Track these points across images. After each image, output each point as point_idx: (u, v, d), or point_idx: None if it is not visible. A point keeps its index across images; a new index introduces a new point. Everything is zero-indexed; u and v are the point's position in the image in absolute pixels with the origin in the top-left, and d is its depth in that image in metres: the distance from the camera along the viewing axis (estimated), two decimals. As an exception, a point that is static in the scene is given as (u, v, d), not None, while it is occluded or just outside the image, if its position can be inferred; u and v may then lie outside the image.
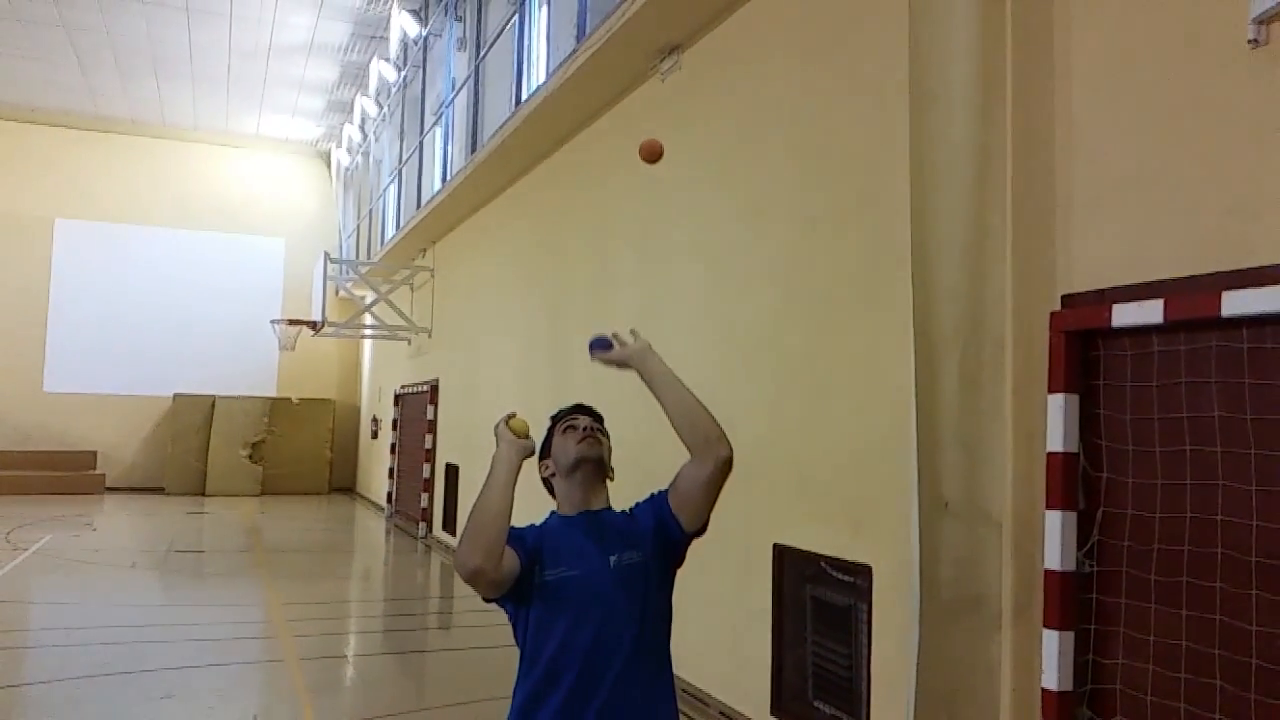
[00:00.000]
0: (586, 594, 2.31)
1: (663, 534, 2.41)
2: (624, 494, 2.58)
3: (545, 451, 2.50)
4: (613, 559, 2.35)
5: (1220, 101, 3.02)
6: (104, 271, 20.69)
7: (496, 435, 2.38)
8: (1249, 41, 2.90)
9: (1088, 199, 3.45)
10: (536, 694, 2.30)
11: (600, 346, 2.56)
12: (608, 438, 2.52)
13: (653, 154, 2.54)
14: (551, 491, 2.52)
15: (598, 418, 2.54)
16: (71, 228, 20.68)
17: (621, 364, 2.49)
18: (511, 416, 2.40)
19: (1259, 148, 2.90)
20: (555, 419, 2.54)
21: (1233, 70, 2.98)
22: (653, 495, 2.48)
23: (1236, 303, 2.85)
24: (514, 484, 2.30)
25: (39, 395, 20.13)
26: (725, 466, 2.36)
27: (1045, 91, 3.65)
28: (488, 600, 2.35)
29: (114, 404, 20.52)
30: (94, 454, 20.10)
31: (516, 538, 2.32)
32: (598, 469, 2.45)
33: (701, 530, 2.45)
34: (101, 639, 7.61)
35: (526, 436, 2.39)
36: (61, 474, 19.28)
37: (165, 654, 7.17)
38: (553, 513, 2.49)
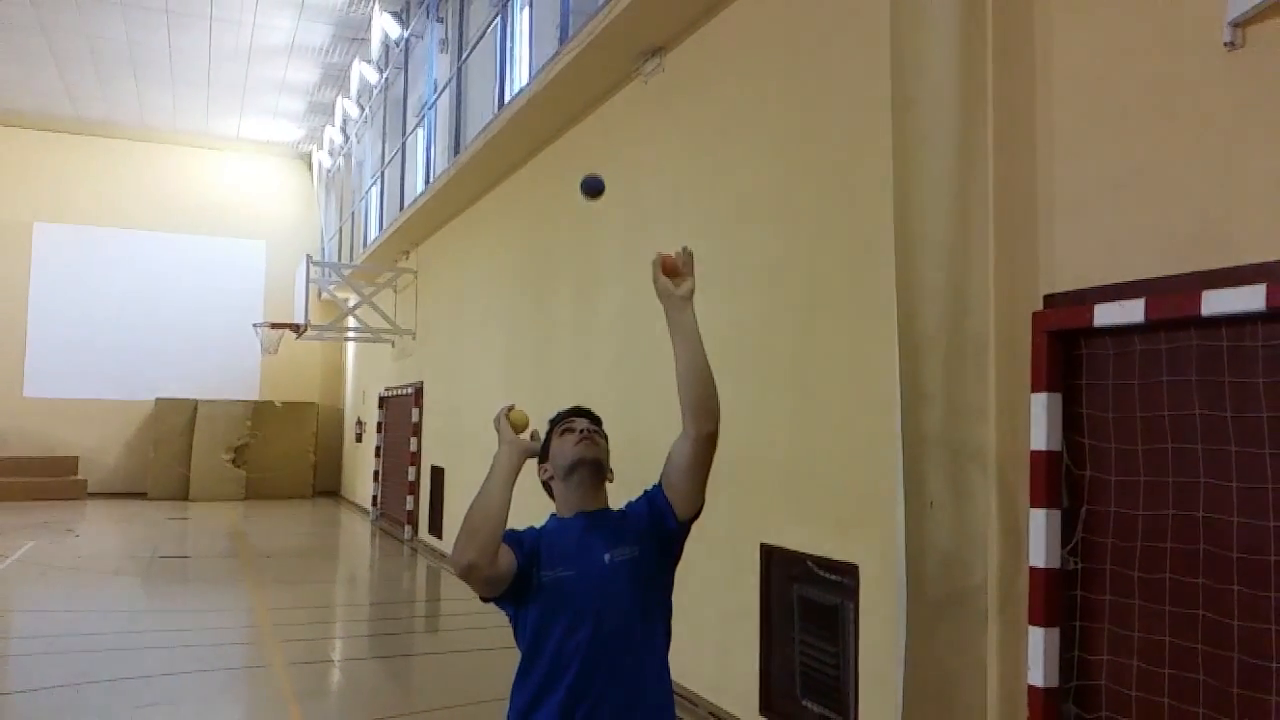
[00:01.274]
0: (582, 594, 2.33)
1: (658, 525, 2.43)
2: (615, 496, 2.60)
3: (544, 455, 2.51)
4: (607, 557, 2.37)
5: (1198, 103, 3.06)
6: (84, 275, 20.53)
7: (497, 429, 2.39)
8: (1225, 44, 2.94)
9: (1069, 200, 3.49)
10: (536, 695, 2.32)
11: (594, 188, 2.54)
12: (606, 440, 2.53)
13: (670, 268, 2.43)
14: (551, 494, 2.54)
15: (596, 420, 2.56)
16: (50, 231, 20.51)
17: (662, 293, 2.40)
18: (511, 409, 2.41)
19: (1236, 148, 2.94)
20: (554, 422, 2.55)
21: (1210, 72, 3.01)
22: (646, 490, 2.50)
23: (1216, 302, 2.89)
24: (512, 483, 2.32)
25: (19, 400, 19.96)
26: (710, 441, 2.37)
27: (1026, 94, 3.68)
28: (485, 600, 2.37)
29: (95, 409, 20.36)
30: (75, 459, 19.95)
31: (514, 539, 2.34)
32: (596, 471, 2.46)
33: (696, 515, 2.46)
34: (86, 646, 7.56)
35: (526, 428, 2.41)
36: (42, 480, 19.12)
37: (150, 661, 7.13)
38: (552, 515, 2.51)
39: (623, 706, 2.30)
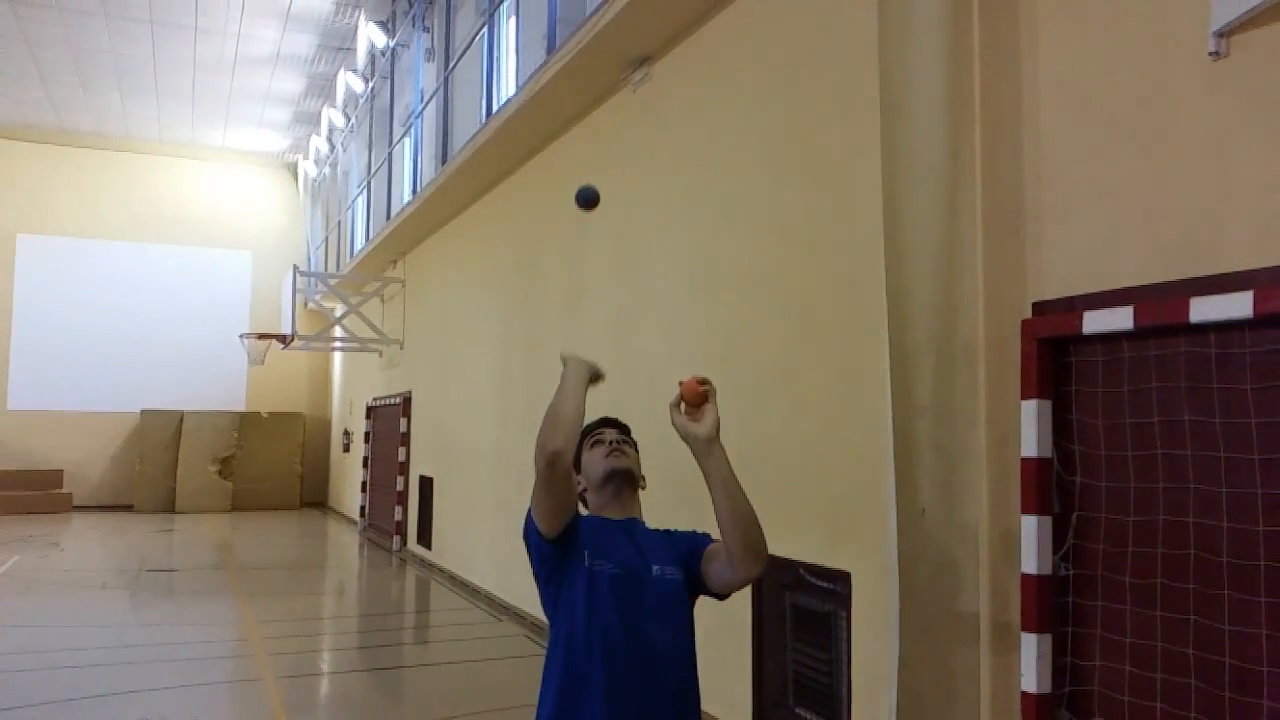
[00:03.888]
0: (631, 594, 2.33)
1: (692, 571, 2.46)
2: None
3: (576, 467, 2.52)
4: (655, 569, 2.39)
5: (1183, 112, 3.09)
6: (68, 287, 20.38)
7: (563, 360, 2.42)
8: (1210, 54, 2.97)
9: (1057, 208, 3.51)
10: (575, 684, 2.30)
11: (588, 200, 2.54)
12: (635, 448, 2.56)
13: (692, 396, 2.34)
14: (586, 505, 2.57)
15: (624, 429, 2.60)
16: (34, 243, 20.37)
17: (682, 435, 2.33)
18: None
19: (1222, 156, 2.97)
20: (583, 434, 2.56)
21: (1195, 81, 3.04)
22: (695, 535, 2.52)
23: (1204, 309, 2.91)
24: (584, 394, 2.36)
25: (2, 413, 19.79)
26: (755, 578, 2.42)
27: (1013, 103, 3.71)
28: (547, 541, 2.33)
29: (80, 421, 20.20)
30: (60, 472, 19.77)
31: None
32: (628, 479, 2.50)
33: (719, 598, 2.50)
34: (73, 662, 7.49)
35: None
36: (27, 493, 18.94)
37: (140, 676, 7.07)
38: (589, 515, 2.53)
39: (660, 710, 2.31)
